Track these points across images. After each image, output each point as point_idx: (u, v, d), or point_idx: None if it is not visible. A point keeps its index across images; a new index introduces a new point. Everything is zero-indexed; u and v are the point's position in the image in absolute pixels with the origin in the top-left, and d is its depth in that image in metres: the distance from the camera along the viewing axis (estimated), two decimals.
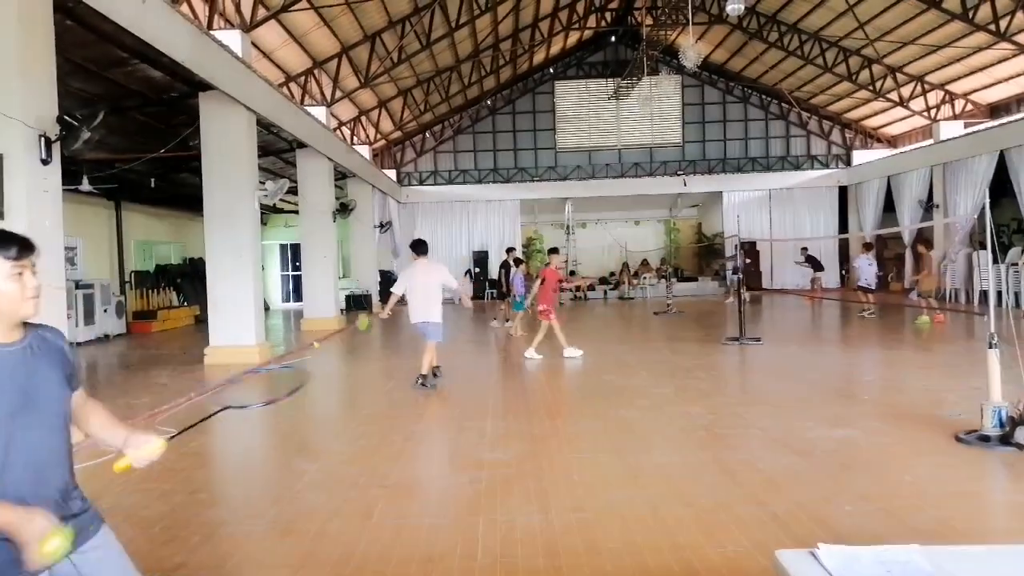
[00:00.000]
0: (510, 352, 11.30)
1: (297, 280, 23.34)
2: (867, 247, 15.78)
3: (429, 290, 8.01)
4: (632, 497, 4.26)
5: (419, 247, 8.39)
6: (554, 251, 11.50)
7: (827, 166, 24.71)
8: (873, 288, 15.05)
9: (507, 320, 14.87)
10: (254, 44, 12.33)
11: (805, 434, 5.59)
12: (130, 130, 12.47)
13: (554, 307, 10.48)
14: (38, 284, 1.80)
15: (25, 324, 1.83)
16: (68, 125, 5.97)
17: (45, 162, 5.84)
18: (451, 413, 6.91)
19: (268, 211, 22.46)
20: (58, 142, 5.94)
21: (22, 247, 1.77)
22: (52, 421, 1.81)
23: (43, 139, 5.79)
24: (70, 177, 7.80)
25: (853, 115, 23.66)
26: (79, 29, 7.31)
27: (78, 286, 14.16)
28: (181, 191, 17.42)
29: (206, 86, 9.51)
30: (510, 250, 17.27)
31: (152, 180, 15.51)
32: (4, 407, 1.68)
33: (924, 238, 15.29)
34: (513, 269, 13.88)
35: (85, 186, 12.60)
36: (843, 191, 24.51)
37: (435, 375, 8.19)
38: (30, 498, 1.70)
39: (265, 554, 3.63)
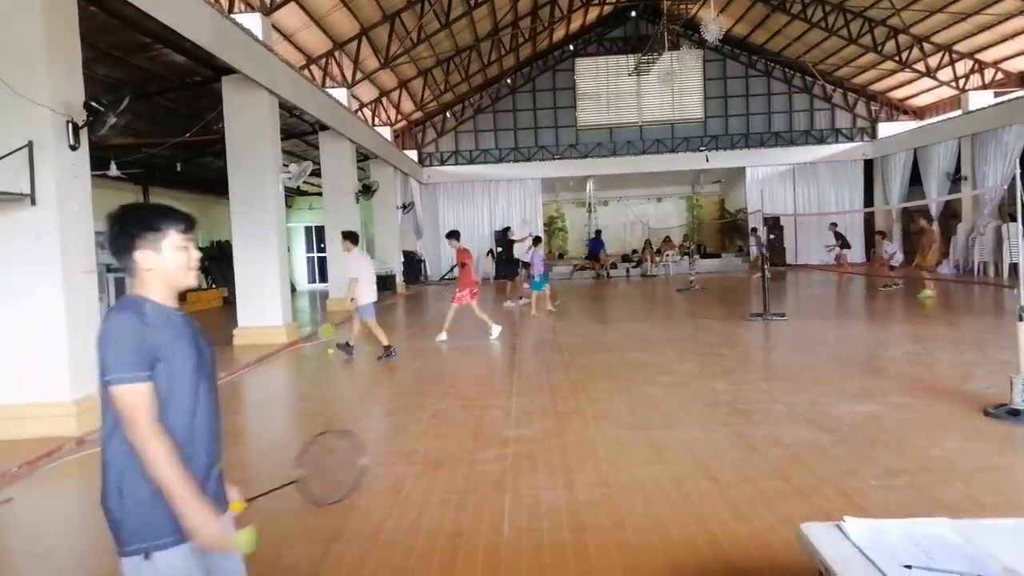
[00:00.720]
0: (529, 331, 11.34)
1: (322, 262, 23.54)
2: (882, 235, 16.05)
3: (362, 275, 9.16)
4: (656, 472, 4.30)
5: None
6: (454, 234, 11.28)
7: (852, 139, 24.30)
8: (897, 265, 15.46)
9: (521, 298, 14.89)
10: (274, 27, 12.36)
11: (830, 409, 5.58)
12: (155, 115, 12.62)
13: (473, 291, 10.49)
14: (199, 256, 1.99)
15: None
16: (94, 111, 6.04)
17: (73, 148, 5.93)
18: (476, 392, 6.98)
19: (292, 194, 22.62)
20: (85, 128, 6.02)
21: (189, 223, 1.94)
22: (215, 386, 1.98)
23: (71, 125, 5.88)
24: (98, 162, 7.91)
25: (879, 87, 23.19)
26: (102, 15, 7.39)
27: (109, 270, 14.39)
28: (206, 174, 17.63)
29: (228, 70, 9.57)
30: (507, 229, 17.40)
31: (178, 164, 15.70)
32: (191, 363, 1.85)
33: (952, 212, 15.21)
34: (531, 248, 13.86)
35: (113, 171, 12.75)
36: (868, 165, 24.12)
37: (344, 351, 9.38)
38: (211, 460, 1.91)
39: (297, 528, 3.72)
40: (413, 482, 4.32)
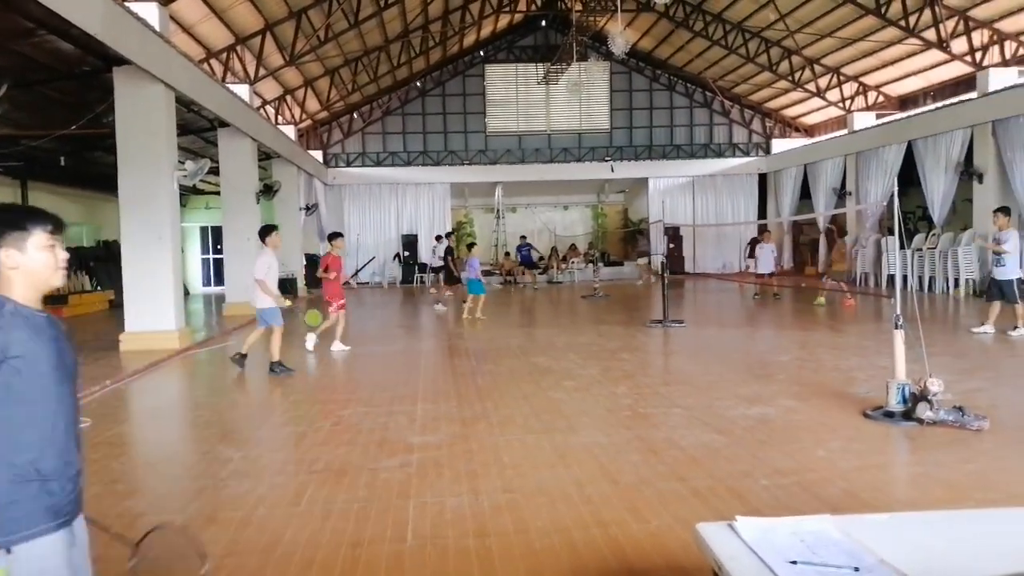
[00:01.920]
0: (436, 337, 11.28)
1: (219, 264, 22.64)
2: (769, 235, 16.65)
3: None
4: (559, 476, 4.35)
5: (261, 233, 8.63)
6: (336, 235, 10.27)
7: (748, 154, 25.47)
8: (772, 273, 15.92)
9: (437, 303, 14.87)
10: (172, 18, 11.80)
11: (724, 412, 5.81)
12: (38, 105, 11.81)
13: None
14: (66, 257, 1.97)
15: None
16: None
17: None
18: (380, 397, 6.86)
19: (188, 192, 21.67)
20: None
21: (56, 223, 1.94)
22: (75, 383, 1.96)
23: None
24: None
25: (773, 104, 24.44)
26: None
27: None
28: (94, 170, 16.62)
29: (121, 60, 9.07)
30: (449, 234, 17.23)
31: (62, 158, 14.76)
32: (49, 366, 1.84)
33: (837, 224, 16.05)
34: (467, 253, 13.83)
35: None
36: (763, 178, 25.35)
37: (276, 370, 8.19)
38: (73, 465, 1.90)
39: (187, 543, 3.54)
40: (314, 491, 4.20)
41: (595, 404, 6.30)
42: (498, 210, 25.99)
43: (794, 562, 1.73)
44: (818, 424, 5.43)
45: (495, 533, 3.53)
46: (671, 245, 23.19)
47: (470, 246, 14.19)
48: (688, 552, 3.22)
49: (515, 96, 25.31)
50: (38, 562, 1.80)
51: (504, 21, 23.93)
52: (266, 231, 8.48)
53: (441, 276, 20.28)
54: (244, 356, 8.59)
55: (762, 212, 25.14)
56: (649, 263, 23.89)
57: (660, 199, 22.31)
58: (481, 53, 24.87)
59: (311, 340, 9.71)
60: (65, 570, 1.86)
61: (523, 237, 24.48)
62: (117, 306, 14.45)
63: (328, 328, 9.81)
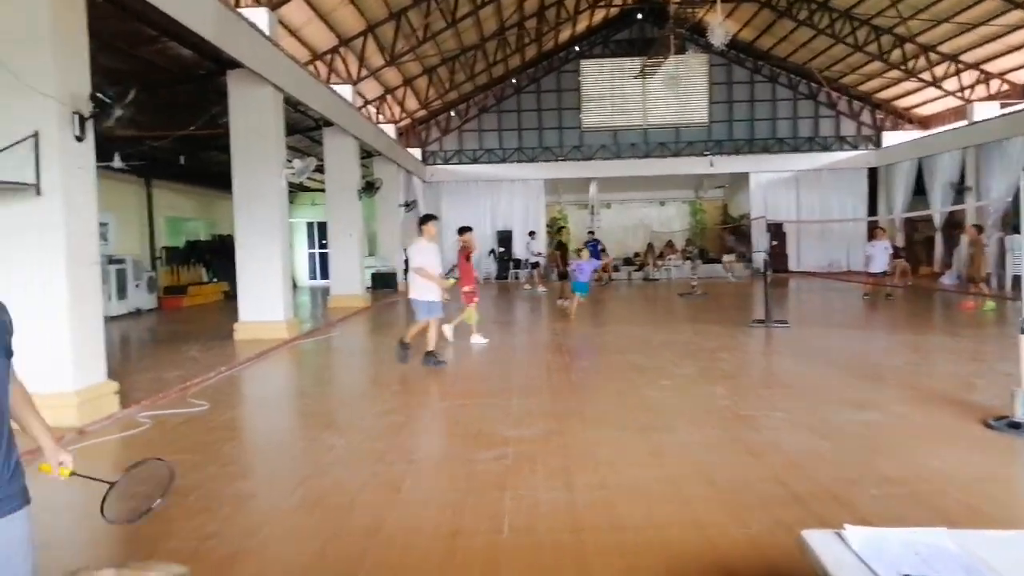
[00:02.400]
0: (545, 331, 11.34)
1: (324, 258, 23.55)
2: (882, 232, 15.65)
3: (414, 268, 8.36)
4: (655, 475, 4.30)
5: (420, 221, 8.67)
6: (466, 230, 10.36)
7: (856, 147, 24.27)
8: (884, 272, 15.08)
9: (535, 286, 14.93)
10: (280, 22, 12.36)
11: (830, 417, 5.58)
12: (160, 108, 12.62)
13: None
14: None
15: None
16: (100, 103, 6.05)
17: (79, 139, 5.94)
18: (476, 390, 6.98)
19: (295, 189, 22.64)
20: (91, 119, 6.03)
21: None
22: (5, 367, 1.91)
23: (77, 117, 5.89)
24: (102, 154, 7.91)
25: (884, 95, 23.17)
26: (108, 6, 7.39)
27: (110, 261, 14.42)
28: (210, 168, 17.62)
29: (234, 64, 9.58)
30: (560, 229, 17.22)
31: (181, 157, 15.71)
32: None
33: (955, 222, 15.03)
34: (577, 256, 13.87)
35: (117, 163, 12.81)
36: (873, 173, 24.11)
37: (428, 361, 8.17)
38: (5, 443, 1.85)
39: (296, 525, 3.72)
40: (413, 481, 4.32)
41: (692, 404, 6.18)
42: (592, 206, 25.83)
43: (907, 575, 1.66)
44: (933, 432, 5.14)
45: (590, 529, 3.53)
46: (774, 242, 22.39)
47: (579, 251, 14.19)
48: (790, 559, 3.12)
49: (610, 91, 25.06)
50: None
51: (600, 16, 23.72)
52: (424, 220, 8.57)
53: (535, 272, 20.42)
54: (407, 346, 8.49)
55: (872, 208, 23.92)
56: (735, 259, 23.19)
57: (762, 194, 21.63)
58: (576, 48, 24.76)
59: (449, 330, 9.99)
60: None
61: (591, 233, 23.61)
62: (231, 297, 15.28)
63: (460, 322, 10.23)
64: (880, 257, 14.90)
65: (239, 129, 10.30)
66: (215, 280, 19.01)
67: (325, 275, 21.76)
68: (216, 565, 3.25)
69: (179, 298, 16.60)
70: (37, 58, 5.64)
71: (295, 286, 18.68)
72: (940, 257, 19.98)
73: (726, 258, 23.64)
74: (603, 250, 24.85)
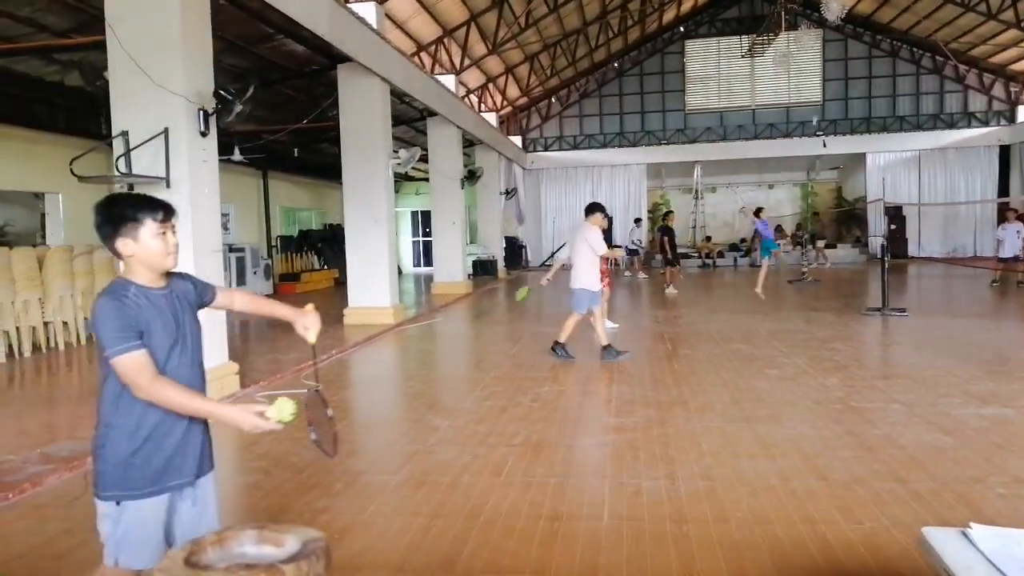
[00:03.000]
0: (647, 317, 11.20)
1: (427, 246, 24.11)
2: (1015, 214, 14.36)
3: (575, 255, 7.73)
4: (762, 468, 4.18)
5: (587, 210, 7.97)
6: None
7: (987, 124, 22.53)
8: (1017, 257, 13.87)
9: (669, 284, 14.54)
10: (387, 15, 12.68)
11: (953, 411, 5.25)
12: (275, 103, 13.25)
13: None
14: (177, 242, 2.15)
15: (168, 273, 2.19)
16: (223, 99, 6.42)
17: (203, 134, 6.32)
18: (576, 377, 6.98)
19: (400, 179, 23.25)
20: (214, 115, 6.40)
21: (167, 211, 2.11)
22: (194, 356, 2.20)
23: (201, 113, 6.26)
24: (223, 148, 8.40)
25: (1020, 67, 21.35)
26: (230, 8, 7.81)
27: (231, 249, 15.29)
28: (322, 160, 18.37)
29: (344, 58, 9.91)
30: (668, 214, 16.22)
31: (295, 150, 16.43)
32: (167, 338, 2.08)
33: None
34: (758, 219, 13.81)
35: (236, 156, 13.53)
36: (1005, 151, 22.31)
37: (557, 352, 7.77)
38: (181, 422, 2.13)
39: (402, 502, 3.86)
40: (514, 463, 4.38)
41: (802, 395, 5.95)
42: (697, 190, 25.17)
43: None
44: None
45: (693, 520, 3.47)
46: (892, 226, 21.13)
47: (758, 210, 13.95)
48: (908, 559, 2.98)
49: (717, 71, 24.32)
50: (138, 519, 2.08)
51: None
52: (594, 209, 7.85)
53: (636, 259, 20.05)
54: (608, 347, 7.68)
55: (1003, 189, 22.16)
56: (823, 246, 21.70)
57: (880, 176, 20.40)
58: (681, 29, 24.13)
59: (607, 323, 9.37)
60: (157, 524, 2.12)
61: (637, 220, 21.97)
62: (341, 283, 15.90)
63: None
64: (1012, 241, 13.82)
65: (348, 121, 10.66)
66: (326, 267, 19.81)
67: (429, 262, 22.26)
68: (328, 539, 3.40)
69: (293, 284, 17.41)
70: (168, 60, 6.03)
71: (400, 273, 19.23)
72: None
73: (819, 243, 22.25)
74: (708, 237, 24.17)
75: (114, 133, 6.05)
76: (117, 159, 6.02)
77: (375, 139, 10.69)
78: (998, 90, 22.46)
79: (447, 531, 3.44)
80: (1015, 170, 21.93)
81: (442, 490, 3.98)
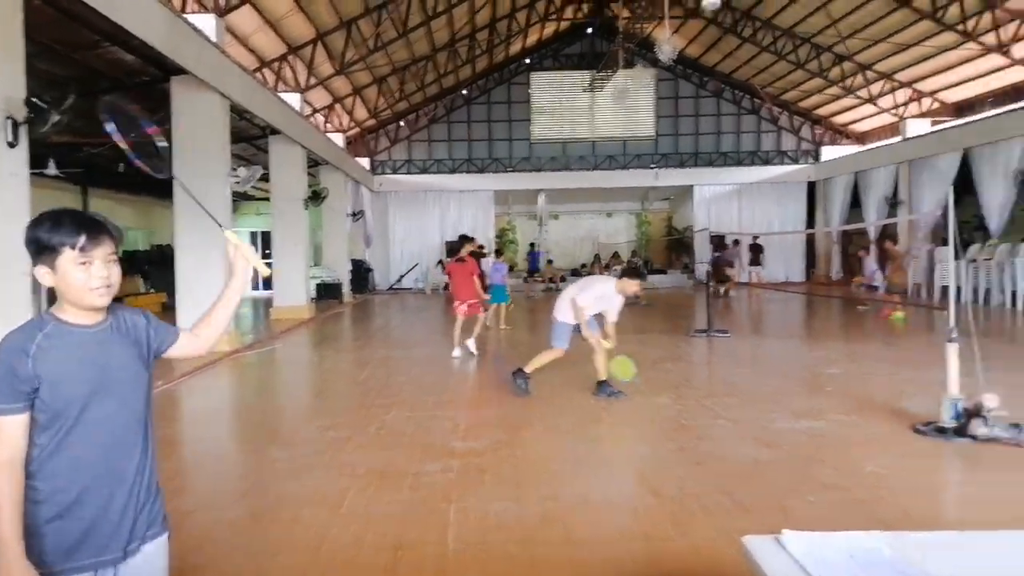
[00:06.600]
0: (490, 341, 11.31)
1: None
2: (865, 251, 16.10)
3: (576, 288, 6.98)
4: (602, 487, 4.33)
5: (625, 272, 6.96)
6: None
7: (796, 161, 25.03)
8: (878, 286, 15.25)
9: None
10: (228, 29, 12.15)
11: (771, 425, 5.71)
12: (98, 114, 12.24)
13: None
14: (106, 275, 1.76)
15: (108, 309, 1.86)
16: (36, 108, 5.86)
17: (12, 145, 5.73)
18: (423, 403, 6.92)
19: (239, 198, 22.19)
20: (25, 125, 5.82)
21: (92, 237, 1.74)
22: (129, 407, 1.87)
23: (10, 121, 5.68)
24: (36, 161, 7.64)
25: (823, 111, 23.99)
26: (48, 9, 7.16)
27: None
28: (149, 177, 17.13)
29: (179, 70, 9.36)
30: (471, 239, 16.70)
31: (120, 165, 15.25)
32: (82, 387, 1.74)
33: (889, 234, 15.59)
34: (492, 258, 13.79)
35: (51, 170, 12.36)
36: (811, 187, 24.88)
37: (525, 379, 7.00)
38: (100, 481, 1.79)
39: (240, 540, 3.63)
40: (355, 495, 4.25)
41: (638, 414, 6.25)
42: (541, 217, 25.99)
43: None
44: (868, 439, 5.30)
45: (539, 542, 3.53)
46: (716, 254, 22.87)
47: (498, 252, 13.90)
48: (736, 567, 3.17)
49: (560, 103, 25.34)
50: None
51: (551, 29, 23.99)
52: (631, 274, 6.75)
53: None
54: (603, 383, 6.86)
55: (810, 221, 24.68)
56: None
57: (706, 207, 22.06)
58: (527, 61, 24.98)
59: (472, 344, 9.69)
60: None
61: (532, 245, 23.56)
62: (169, 308, 14.86)
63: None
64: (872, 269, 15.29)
65: (182, 137, 10.04)
66: (153, 291, 18.47)
67: (268, 285, 21.34)
68: None
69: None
70: None
71: None
72: (871, 269, 20.69)
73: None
74: (550, 261, 25.07)
75: None
76: None
77: (212, 156, 10.16)
78: (806, 132, 25.03)
79: (287, 569, 3.27)
80: (820, 204, 24.47)
81: (281, 526, 3.79)
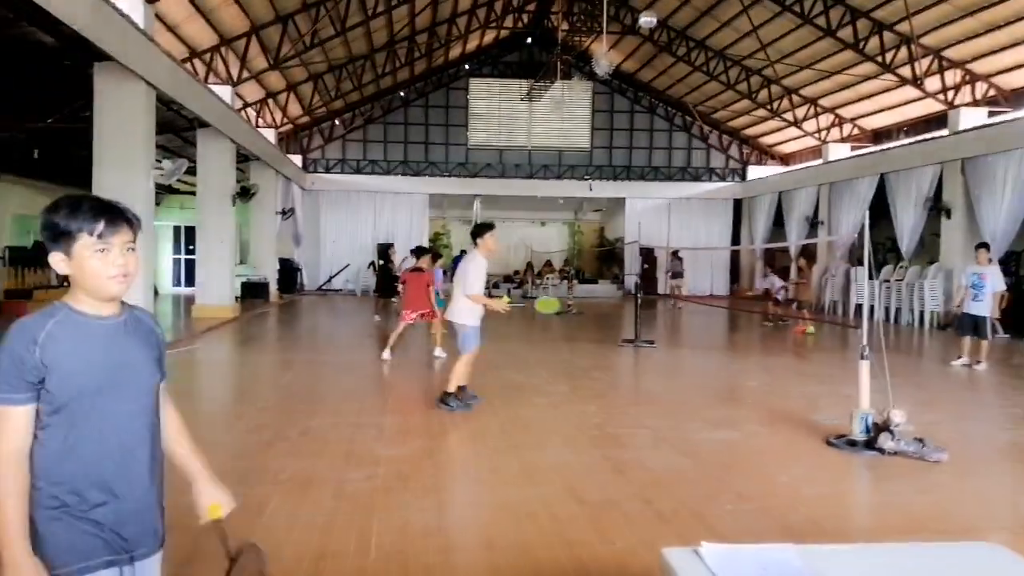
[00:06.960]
0: (406, 350, 11.24)
1: (190, 264, 22.35)
2: (770, 268, 16.66)
3: (457, 285, 6.89)
4: (526, 494, 4.36)
5: (473, 232, 6.97)
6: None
7: (724, 179, 25.80)
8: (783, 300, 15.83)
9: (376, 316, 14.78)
10: (157, 16, 11.73)
11: (691, 435, 5.86)
12: (13, 97, 11.62)
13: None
14: (123, 263, 1.70)
15: (122, 301, 1.80)
16: None
17: None
18: (349, 408, 6.82)
19: (163, 191, 21.42)
20: None
21: (111, 223, 1.67)
22: (141, 405, 1.81)
23: None
24: None
25: (750, 132, 24.82)
26: None
27: None
28: (69, 165, 16.36)
29: (103, 56, 8.99)
30: (427, 250, 16.40)
31: (36, 151, 14.53)
32: (90, 380, 1.67)
33: (808, 252, 16.25)
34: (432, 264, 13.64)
35: None
36: (738, 204, 25.69)
37: (459, 399, 6.67)
38: (106, 479, 1.71)
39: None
40: (278, 503, 4.16)
41: (564, 422, 6.32)
42: (475, 223, 25.98)
43: None
44: (782, 450, 5.51)
45: (460, 549, 3.53)
46: (645, 266, 23.41)
47: (436, 257, 13.46)
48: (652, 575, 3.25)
49: (497, 111, 25.42)
50: None
51: (490, 36, 24.07)
52: (481, 230, 6.82)
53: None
54: (449, 395, 6.67)
55: (735, 237, 25.46)
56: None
57: (637, 220, 22.41)
58: (466, 66, 24.97)
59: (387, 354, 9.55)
60: None
61: (463, 252, 23.47)
62: None
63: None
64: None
65: (104, 125, 9.64)
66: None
67: (191, 282, 20.64)
68: None
69: (23, 303, 15.17)
70: None
71: (156, 293, 17.63)
72: (779, 286, 21.54)
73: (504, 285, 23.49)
74: (548, 263, 25.00)
75: None
76: None
77: (135, 147, 9.79)
78: (734, 151, 25.84)
79: None
80: (745, 221, 25.29)
81: (195, 534, 3.66)
